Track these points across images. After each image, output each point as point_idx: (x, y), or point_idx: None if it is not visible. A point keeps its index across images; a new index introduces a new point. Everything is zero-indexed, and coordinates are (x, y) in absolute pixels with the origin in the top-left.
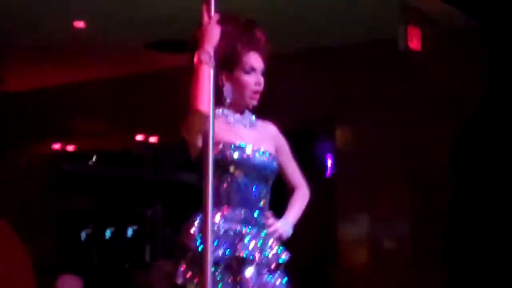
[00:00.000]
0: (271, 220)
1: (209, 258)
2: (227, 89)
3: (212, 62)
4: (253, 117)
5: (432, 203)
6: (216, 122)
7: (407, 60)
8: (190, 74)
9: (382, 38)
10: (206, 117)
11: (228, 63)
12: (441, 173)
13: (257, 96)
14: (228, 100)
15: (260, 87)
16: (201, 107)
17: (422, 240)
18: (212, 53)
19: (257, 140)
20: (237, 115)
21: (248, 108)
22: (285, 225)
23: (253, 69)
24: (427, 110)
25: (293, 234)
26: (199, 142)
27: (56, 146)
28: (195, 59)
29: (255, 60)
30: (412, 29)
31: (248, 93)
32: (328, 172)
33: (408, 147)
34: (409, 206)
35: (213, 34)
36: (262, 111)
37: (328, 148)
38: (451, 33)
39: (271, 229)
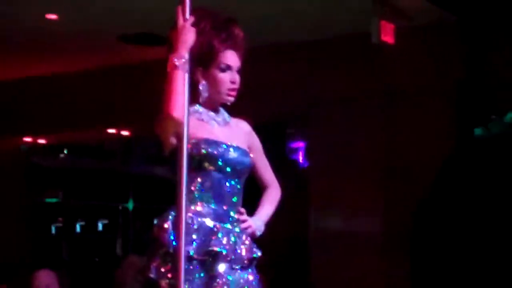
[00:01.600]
0: (244, 216)
1: (183, 254)
2: (203, 85)
3: (186, 67)
4: (227, 115)
5: (406, 196)
6: (189, 118)
7: (380, 53)
8: (164, 68)
9: (356, 32)
10: (179, 123)
11: (204, 60)
12: (414, 166)
13: (233, 94)
14: (203, 96)
15: (235, 85)
16: (174, 113)
17: (393, 234)
18: (186, 57)
19: (230, 137)
20: (211, 113)
21: (222, 106)
22: (257, 222)
23: (228, 67)
24: (400, 104)
25: (265, 231)
26: (173, 141)
27: (27, 139)
28: (169, 64)
29: (231, 58)
30: (385, 22)
31: (222, 91)
32: (300, 166)
33: (381, 140)
34: (382, 200)
35: (188, 37)
36: (236, 104)
37: (301, 142)
38: (425, 27)
39: (244, 225)
